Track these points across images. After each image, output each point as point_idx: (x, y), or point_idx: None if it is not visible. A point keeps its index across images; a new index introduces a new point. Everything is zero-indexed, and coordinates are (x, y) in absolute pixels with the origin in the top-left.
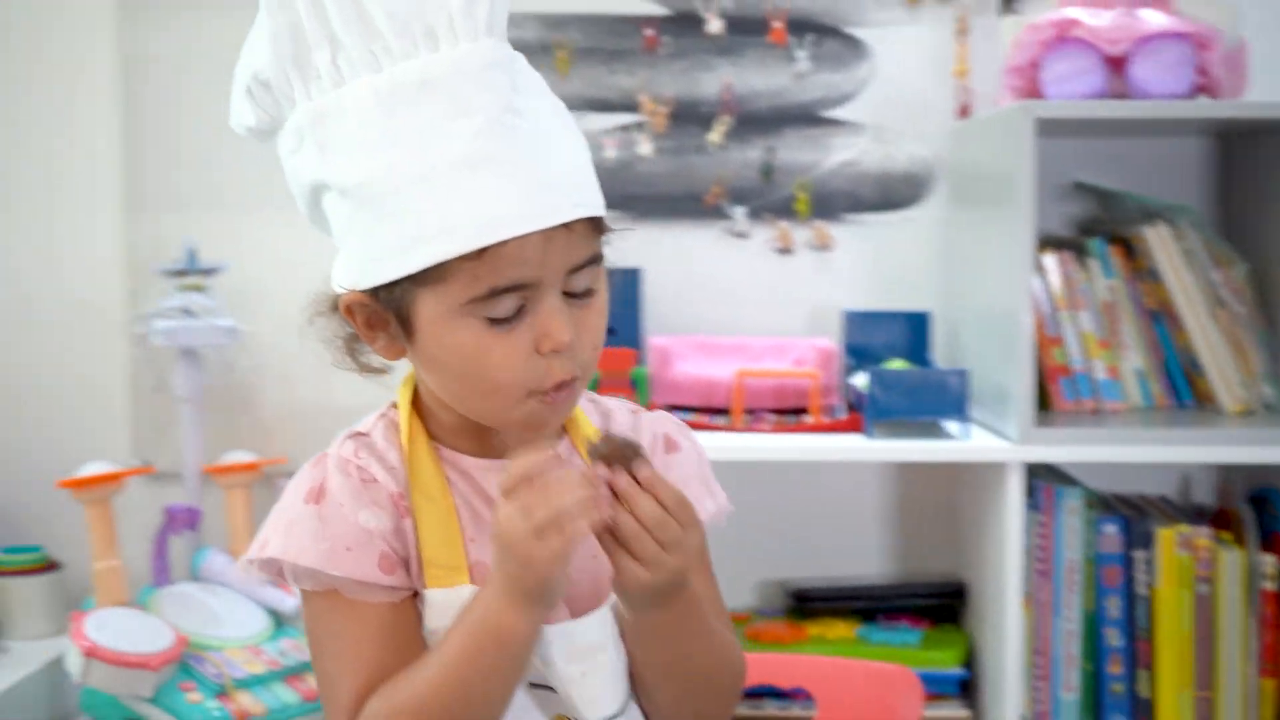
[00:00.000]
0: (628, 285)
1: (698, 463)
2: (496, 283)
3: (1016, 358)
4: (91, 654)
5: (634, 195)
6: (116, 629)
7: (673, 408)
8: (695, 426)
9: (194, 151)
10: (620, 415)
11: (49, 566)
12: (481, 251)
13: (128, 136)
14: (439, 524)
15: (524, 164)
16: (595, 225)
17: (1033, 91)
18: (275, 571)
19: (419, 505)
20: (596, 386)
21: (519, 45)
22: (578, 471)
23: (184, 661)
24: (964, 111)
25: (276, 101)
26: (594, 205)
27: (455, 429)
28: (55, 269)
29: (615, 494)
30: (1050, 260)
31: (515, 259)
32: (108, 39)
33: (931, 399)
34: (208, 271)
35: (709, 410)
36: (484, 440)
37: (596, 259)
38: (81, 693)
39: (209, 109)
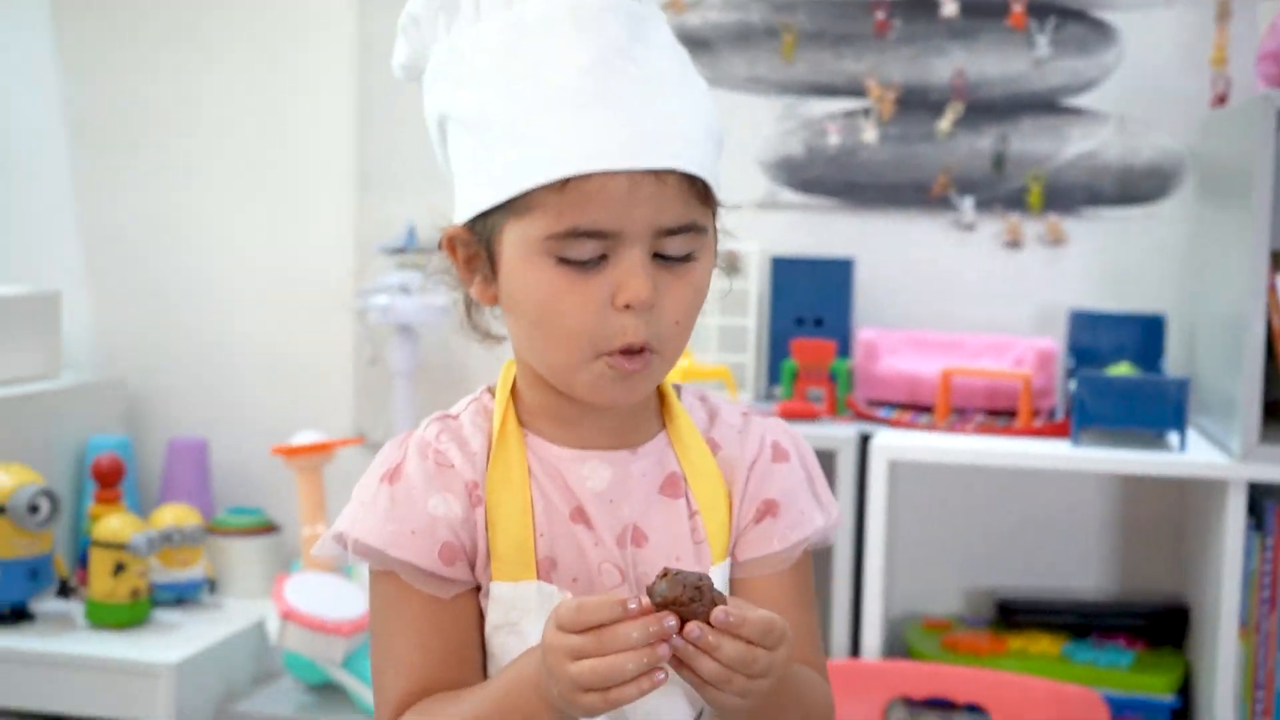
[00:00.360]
0: (839, 275)
1: (807, 473)
2: (578, 221)
3: (1245, 368)
4: (288, 616)
5: (854, 183)
6: (315, 594)
7: (876, 403)
8: (894, 424)
9: (420, 130)
10: (728, 416)
11: (267, 529)
12: (564, 185)
13: (361, 114)
14: (513, 516)
15: (623, 106)
16: (698, 192)
17: None
18: (344, 546)
19: (495, 493)
20: (794, 379)
21: (745, 27)
22: (641, 627)
23: None
24: (1220, 101)
25: (423, 39)
26: (691, 163)
27: (542, 412)
28: (289, 242)
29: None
30: None
31: (598, 198)
32: (350, 17)
33: (1145, 408)
34: (426, 250)
35: (914, 408)
36: (569, 427)
37: (694, 227)
38: (284, 653)
39: None
